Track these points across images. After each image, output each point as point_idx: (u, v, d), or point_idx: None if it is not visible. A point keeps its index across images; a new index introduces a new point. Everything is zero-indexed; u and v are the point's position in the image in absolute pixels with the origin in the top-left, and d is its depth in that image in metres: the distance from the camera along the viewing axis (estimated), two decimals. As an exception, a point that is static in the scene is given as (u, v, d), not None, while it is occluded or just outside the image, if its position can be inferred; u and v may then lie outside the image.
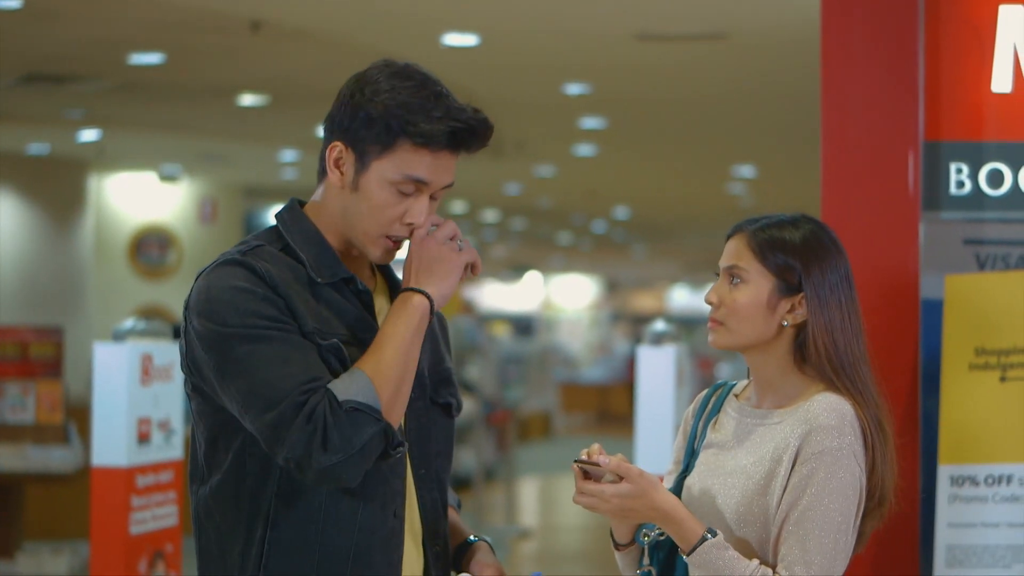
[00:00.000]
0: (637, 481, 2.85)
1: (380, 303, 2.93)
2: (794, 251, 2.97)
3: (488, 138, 2.84)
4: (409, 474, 2.88)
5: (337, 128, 2.83)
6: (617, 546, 3.06)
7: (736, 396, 3.10)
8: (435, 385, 2.97)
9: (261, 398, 2.67)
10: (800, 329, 2.98)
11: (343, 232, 2.87)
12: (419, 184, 2.80)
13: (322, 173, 2.89)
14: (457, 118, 2.79)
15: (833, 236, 3.03)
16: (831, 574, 2.84)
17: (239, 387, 2.70)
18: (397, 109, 2.77)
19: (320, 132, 2.90)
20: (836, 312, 2.96)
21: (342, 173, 2.83)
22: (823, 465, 2.86)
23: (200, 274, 2.85)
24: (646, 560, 2.99)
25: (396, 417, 2.75)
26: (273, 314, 2.71)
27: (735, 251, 3.00)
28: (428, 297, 2.79)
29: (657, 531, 2.97)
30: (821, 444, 2.87)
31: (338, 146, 2.82)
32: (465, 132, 2.80)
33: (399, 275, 2.96)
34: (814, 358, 2.96)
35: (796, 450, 2.88)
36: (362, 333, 2.81)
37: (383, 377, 2.71)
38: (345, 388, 2.68)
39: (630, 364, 30.01)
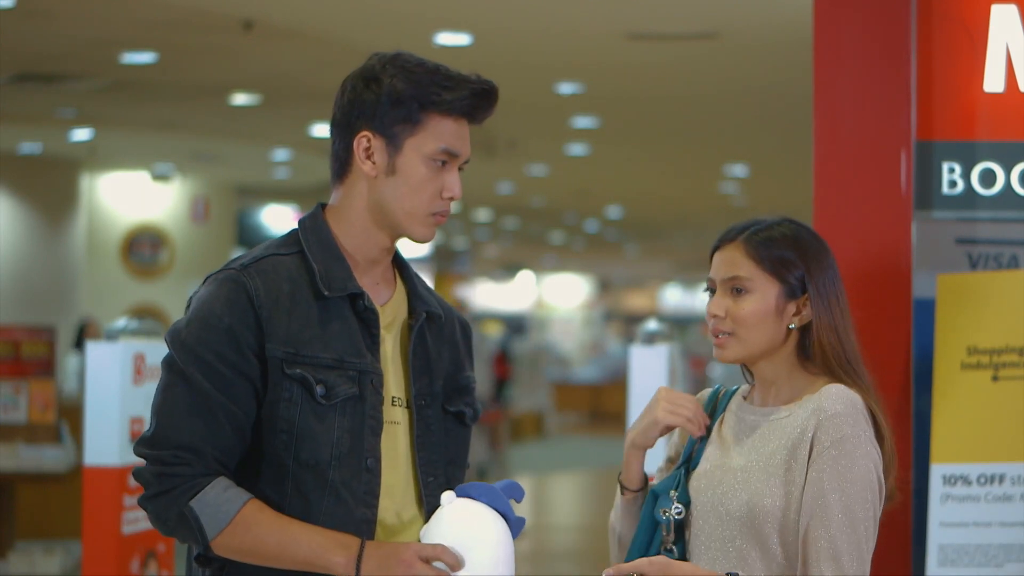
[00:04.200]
0: (652, 569, 2.86)
1: (392, 313, 2.95)
2: (794, 253, 2.96)
3: (496, 103, 2.93)
4: (413, 483, 2.91)
5: (358, 120, 2.88)
6: (624, 491, 3.06)
7: (744, 398, 3.09)
8: (449, 394, 3.00)
9: (154, 427, 2.81)
10: (803, 329, 2.98)
11: (375, 227, 2.91)
12: (450, 156, 2.88)
13: (338, 175, 2.93)
14: (471, 83, 2.88)
15: (816, 233, 3.04)
16: (861, 566, 2.83)
17: (153, 400, 2.85)
18: (420, 84, 2.85)
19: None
20: (836, 309, 2.97)
21: (374, 162, 2.88)
22: (841, 454, 2.85)
23: (207, 279, 2.90)
24: (671, 538, 3.00)
25: (221, 550, 2.80)
26: (226, 354, 2.79)
27: (731, 261, 2.98)
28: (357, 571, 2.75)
29: (676, 508, 2.99)
30: (837, 432, 2.86)
31: (366, 136, 2.87)
32: (481, 95, 2.88)
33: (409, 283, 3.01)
34: (819, 357, 2.96)
35: (811, 440, 2.88)
36: (349, 358, 2.85)
37: (250, 535, 2.77)
38: (215, 496, 2.77)
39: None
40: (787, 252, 2.96)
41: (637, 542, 3.05)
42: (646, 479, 3.08)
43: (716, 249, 3.01)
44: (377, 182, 2.88)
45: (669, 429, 3.05)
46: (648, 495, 3.05)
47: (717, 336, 2.99)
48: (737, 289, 2.97)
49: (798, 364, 2.99)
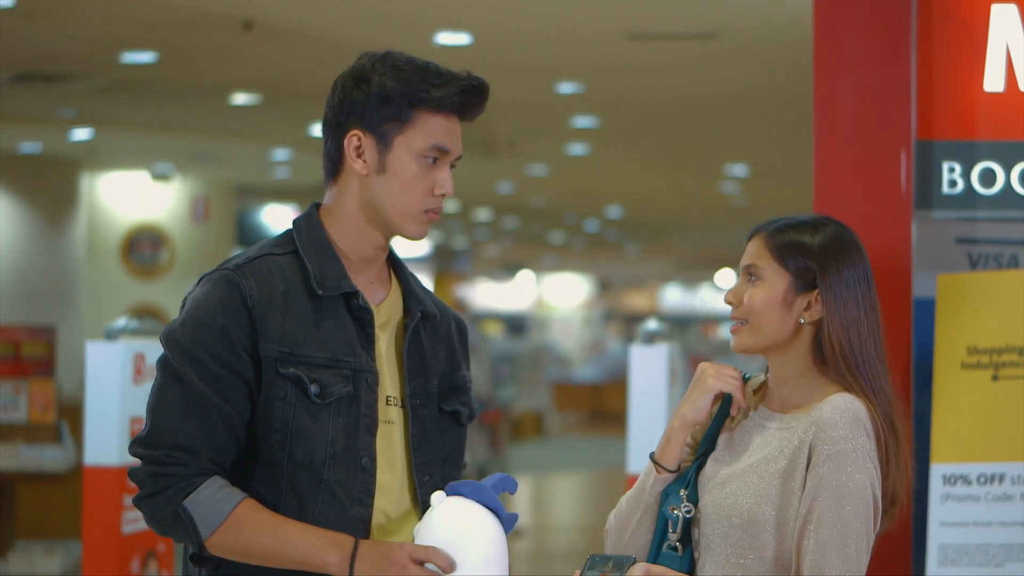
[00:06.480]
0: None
1: (387, 313, 2.96)
2: (809, 248, 2.99)
3: (486, 99, 2.94)
4: (408, 483, 2.91)
5: (348, 119, 2.89)
6: (660, 469, 3.06)
7: (754, 393, 3.10)
8: (445, 393, 3.00)
9: (149, 427, 2.83)
10: (819, 328, 2.99)
11: (368, 225, 2.92)
12: (441, 152, 2.89)
13: (331, 175, 2.93)
14: (461, 80, 2.89)
15: (853, 236, 3.05)
16: None
17: (148, 400, 2.87)
18: (408, 82, 2.86)
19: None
20: (852, 309, 2.98)
21: (365, 160, 2.88)
22: (836, 468, 2.86)
23: (201, 279, 2.91)
24: (675, 536, 3.01)
25: (215, 550, 2.82)
26: (220, 353, 2.80)
27: (754, 251, 3.03)
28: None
29: (685, 507, 2.99)
30: (834, 447, 2.87)
31: (356, 134, 2.89)
32: (471, 92, 2.89)
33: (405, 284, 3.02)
34: (829, 355, 2.97)
35: (809, 453, 2.90)
36: (344, 357, 2.85)
37: (244, 535, 2.78)
38: (208, 495, 2.78)
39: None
40: (803, 245, 2.99)
41: (654, 539, 3.06)
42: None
43: (748, 240, 3.07)
44: (368, 180, 2.89)
45: (719, 399, 3.07)
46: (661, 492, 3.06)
47: (733, 324, 3.04)
48: (752, 277, 3.01)
49: (812, 366, 3.00)
